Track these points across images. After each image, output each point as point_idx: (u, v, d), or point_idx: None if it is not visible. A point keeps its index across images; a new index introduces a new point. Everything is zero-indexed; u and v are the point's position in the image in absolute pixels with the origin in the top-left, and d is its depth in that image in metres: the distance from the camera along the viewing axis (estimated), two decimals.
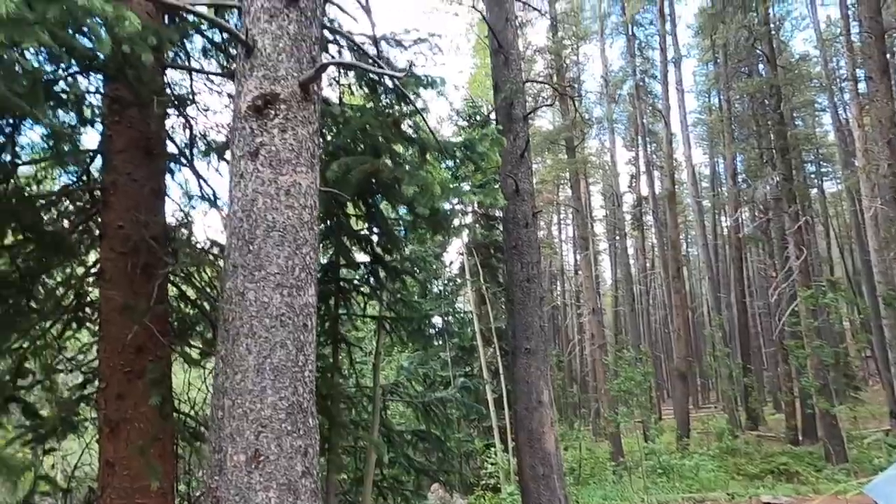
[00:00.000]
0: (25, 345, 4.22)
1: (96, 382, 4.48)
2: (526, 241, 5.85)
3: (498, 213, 19.89)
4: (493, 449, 12.61)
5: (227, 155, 4.98)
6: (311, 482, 1.98)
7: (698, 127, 32.00)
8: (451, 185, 3.81)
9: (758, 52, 15.18)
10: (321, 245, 5.47)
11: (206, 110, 5.11)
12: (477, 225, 18.65)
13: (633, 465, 12.79)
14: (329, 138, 4.00)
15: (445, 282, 17.13)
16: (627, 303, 18.26)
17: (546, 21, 17.14)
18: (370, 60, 3.61)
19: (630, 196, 34.34)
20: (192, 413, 4.71)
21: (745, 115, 18.66)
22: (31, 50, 2.80)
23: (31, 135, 4.11)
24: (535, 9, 14.51)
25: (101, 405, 3.49)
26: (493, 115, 7.72)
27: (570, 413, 22.42)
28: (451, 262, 20.17)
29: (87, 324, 4.78)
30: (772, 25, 15.55)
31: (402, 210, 5.85)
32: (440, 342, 16.75)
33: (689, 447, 14.28)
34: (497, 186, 4.97)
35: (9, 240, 4.17)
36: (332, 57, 3.91)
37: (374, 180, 3.87)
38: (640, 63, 23.01)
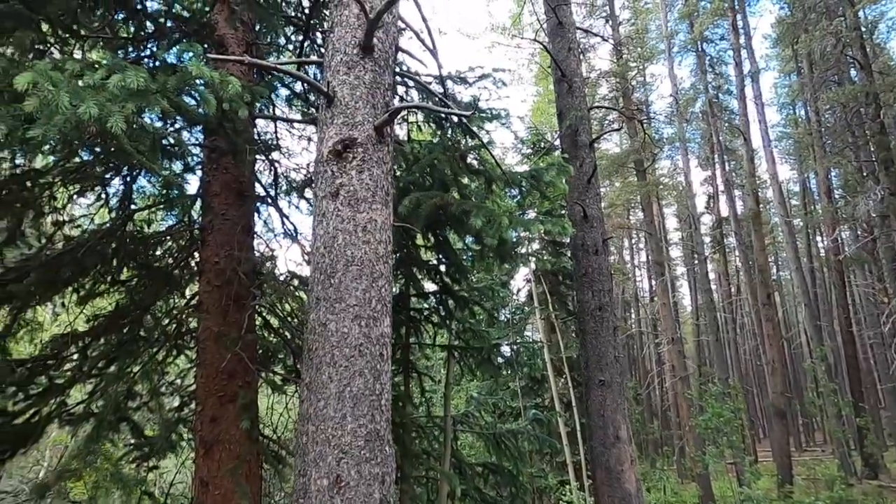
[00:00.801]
0: (136, 369, 4.71)
1: (192, 405, 4.89)
2: (596, 268, 5.70)
3: (566, 240, 19.53)
4: (567, 486, 12.04)
5: (307, 193, 5.38)
6: None
7: (783, 141, 29.79)
8: (518, 216, 3.84)
9: (848, 58, 14.03)
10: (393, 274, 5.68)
11: (289, 155, 5.58)
12: (544, 252, 18.40)
13: None
14: (400, 174, 4.20)
15: (513, 310, 16.93)
16: (711, 332, 16.96)
17: (610, 45, 16.99)
18: (437, 99, 3.79)
19: (708, 217, 32.35)
20: (275, 437, 4.97)
21: (837, 126, 17.17)
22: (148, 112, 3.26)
23: (143, 181, 4.70)
24: (597, 35, 14.46)
25: (198, 427, 3.79)
26: (557, 143, 7.72)
27: (650, 450, 20.92)
28: (519, 290, 19.94)
29: (186, 351, 5.27)
30: (863, 29, 14.34)
31: (470, 240, 5.96)
32: (509, 372, 16.47)
33: (792, 495, 12.76)
34: (564, 214, 4.92)
35: (124, 275, 4.75)
36: (402, 99, 4.15)
37: (442, 213, 3.99)
38: (712, 79, 22.01)
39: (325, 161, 2.44)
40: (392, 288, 2.43)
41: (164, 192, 4.07)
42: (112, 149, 2.45)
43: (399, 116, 5.22)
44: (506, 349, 5.47)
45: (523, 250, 18.34)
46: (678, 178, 32.67)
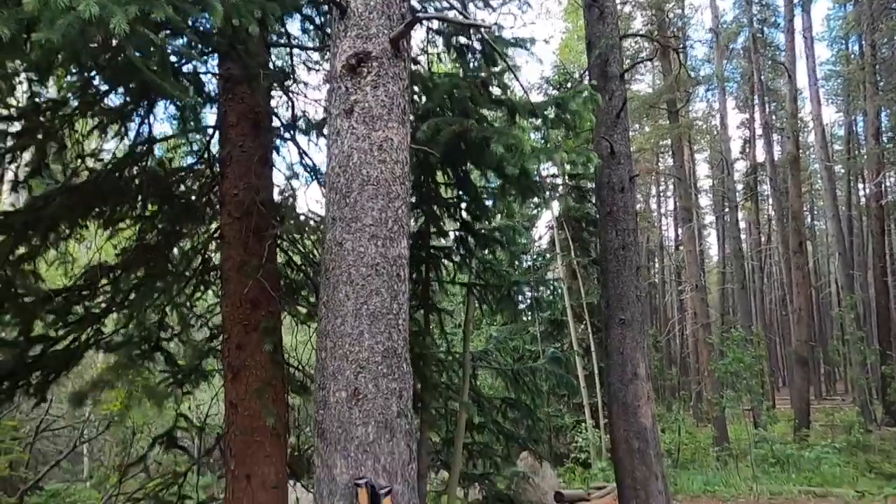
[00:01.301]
0: (165, 302, 4.87)
1: (220, 338, 5.08)
2: (622, 206, 5.52)
3: (590, 185, 19.06)
4: (583, 424, 12.39)
5: (326, 130, 5.27)
6: (405, 423, 2.07)
7: (830, 81, 27.76)
8: (542, 146, 3.68)
9: None
10: (412, 214, 5.62)
11: (305, 90, 5.43)
12: (568, 197, 18.02)
13: (740, 453, 11.84)
14: (418, 102, 4.04)
15: (534, 256, 16.87)
16: (738, 280, 16.64)
17: None
18: (456, 12, 3.56)
19: (741, 164, 30.95)
20: (300, 366, 5.16)
21: (894, 60, 15.80)
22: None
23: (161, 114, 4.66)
24: None
25: (225, 354, 3.94)
26: (586, 77, 7.30)
27: (667, 396, 21.24)
28: (541, 237, 19.77)
29: (212, 287, 5.42)
30: None
31: (492, 178, 5.82)
32: (529, 316, 16.66)
33: (808, 438, 12.88)
34: (590, 149, 4.70)
35: (149, 210, 4.81)
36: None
37: (462, 142, 3.85)
38: (757, 11, 20.32)
39: (338, 77, 2.33)
40: (409, 211, 2.37)
41: (182, 122, 4.02)
42: (122, 67, 2.38)
43: (418, 46, 4.97)
44: (527, 292, 5.44)
45: (548, 195, 18.01)
46: (712, 121, 31.06)
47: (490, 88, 4.02)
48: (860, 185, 28.18)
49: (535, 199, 5.61)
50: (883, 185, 16.34)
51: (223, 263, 4.00)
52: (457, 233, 5.53)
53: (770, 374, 25.33)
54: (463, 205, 5.31)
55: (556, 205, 19.09)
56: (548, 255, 17.39)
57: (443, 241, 6.07)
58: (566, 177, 17.47)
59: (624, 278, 5.36)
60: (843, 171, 27.20)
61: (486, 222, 5.63)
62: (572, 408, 14.86)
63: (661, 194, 34.92)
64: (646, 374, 5.15)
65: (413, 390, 2.19)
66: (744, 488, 8.15)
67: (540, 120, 4.10)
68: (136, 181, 4.35)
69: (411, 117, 2.86)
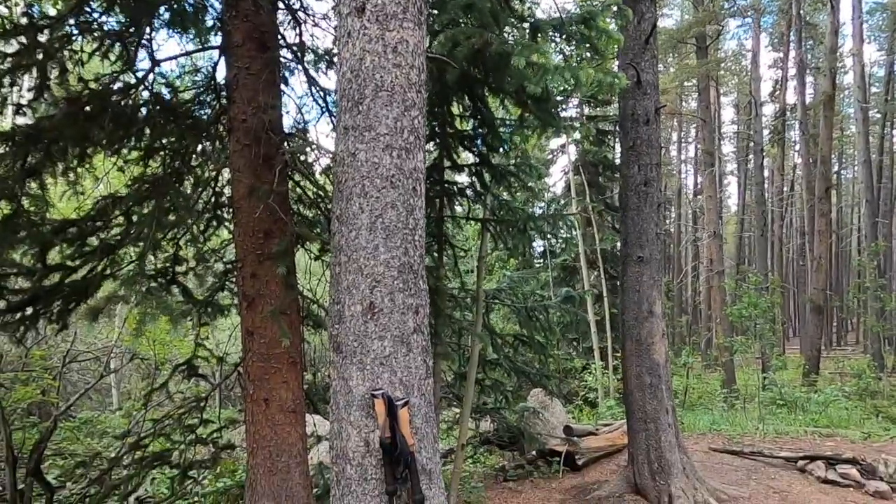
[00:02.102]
0: (179, 236, 4.85)
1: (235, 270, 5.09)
2: (645, 139, 5.25)
3: (609, 126, 18.39)
4: (593, 366, 12.61)
5: (335, 48, 4.99)
6: (422, 339, 2.03)
7: (874, 16, 25.82)
8: (566, 64, 3.42)
9: None
10: (427, 146, 5.43)
11: (314, 18, 5.10)
12: (586, 141, 17.46)
13: (748, 396, 12.02)
14: (433, 14, 3.75)
15: (549, 201, 16.58)
16: (758, 227, 16.26)
17: None
18: None
19: (769, 108, 29.52)
20: (316, 301, 5.19)
21: None
22: None
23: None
24: None
25: (240, 283, 3.94)
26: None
27: (677, 342, 21.44)
28: (555, 183, 19.34)
29: (226, 223, 5.38)
30: None
31: (510, 111, 5.54)
32: (542, 262, 16.60)
33: (816, 384, 13.00)
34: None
35: (157, 140, 4.68)
36: None
37: (481, 63, 3.61)
38: None
39: None
40: (425, 121, 2.22)
41: (183, 28, 3.81)
42: None
43: None
44: (543, 224, 5.31)
45: (562, 141, 17.43)
46: (742, 62, 29.37)
47: (511, 3, 3.72)
48: (894, 131, 26.85)
49: (554, 134, 5.34)
50: None
51: (234, 192, 3.91)
52: (472, 167, 5.35)
53: (782, 323, 25.34)
54: (479, 135, 5.10)
55: (573, 149, 18.53)
56: (562, 201, 17.08)
57: (458, 176, 5.91)
58: (585, 116, 16.83)
59: (644, 215, 5.19)
60: (878, 115, 25.83)
61: (503, 156, 5.43)
62: (582, 352, 15.10)
63: (683, 140, 33.72)
64: (661, 312, 5.09)
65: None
66: (750, 427, 8.29)
67: (565, 38, 3.81)
68: (144, 108, 4.22)
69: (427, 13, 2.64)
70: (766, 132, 26.53)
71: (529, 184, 5.36)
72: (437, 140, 5.14)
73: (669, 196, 32.63)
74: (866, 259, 13.82)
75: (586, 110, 17.49)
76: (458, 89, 4.44)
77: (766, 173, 32.24)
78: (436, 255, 5.25)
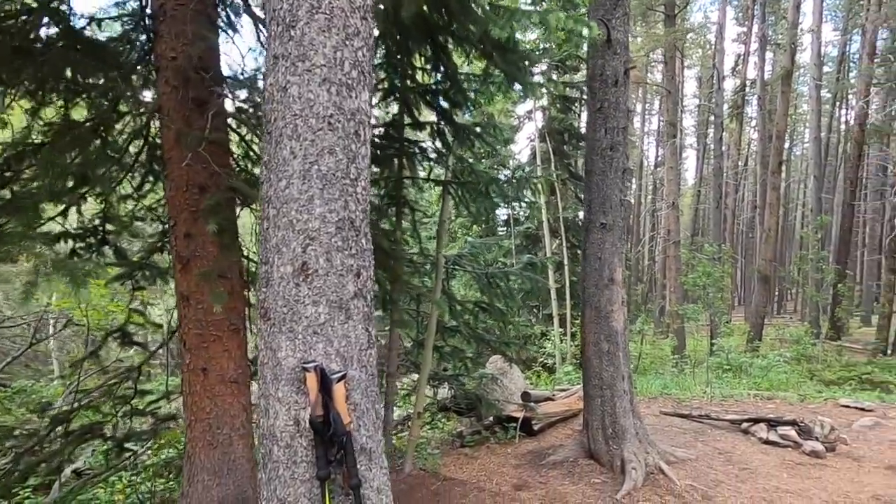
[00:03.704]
0: (106, 192, 4.37)
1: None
2: (613, 102, 5.06)
3: (575, 94, 18.19)
4: (552, 332, 12.81)
5: None
6: (364, 305, 1.79)
7: None
8: (533, 9, 3.13)
9: None
10: (384, 100, 5.05)
11: None
12: (552, 108, 17.25)
13: (697, 361, 12.56)
14: None
15: (513, 169, 16.41)
16: (714, 199, 16.69)
17: None
18: None
19: (730, 83, 30.05)
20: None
21: None
22: None
23: None
24: None
25: (173, 243, 3.56)
26: None
27: (634, 310, 22.16)
28: (520, 151, 19.15)
29: (162, 178, 4.89)
30: None
31: (476, 66, 5.21)
32: (507, 229, 16.55)
33: (759, 349, 13.73)
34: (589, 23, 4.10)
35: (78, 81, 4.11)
36: None
37: (444, 9, 3.27)
38: None
39: None
40: (373, 55, 1.91)
41: None
42: None
43: None
44: (506, 186, 5.09)
45: (529, 107, 17.13)
46: (707, 35, 29.60)
47: None
48: (843, 111, 27.98)
49: (521, 95, 5.08)
50: (868, 108, 16.06)
51: (164, 141, 3.48)
52: (434, 125, 5.04)
53: (730, 292, 26.59)
54: (441, 94, 4.77)
55: (539, 116, 18.28)
56: (528, 168, 16.95)
57: (419, 134, 5.58)
58: (552, 81, 16.54)
59: (609, 181, 5.06)
60: (828, 95, 26.77)
61: (473, 114, 5.14)
62: (542, 319, 15.34)
63: (647, 112, 34.06)
64: (622, 279, 5.04)
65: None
66: (698, 391, 8.63)
67: None
68: (60, 43, 3.65)
69: None
70: (725, 107, 27.09)
71: (495, 146, 5.10)
72: (397, 94, 4.79)
73: (632, 167, 33.16)
74: (811, 232, 14.47)
75: (554, 76, 17.21)
76: (419, 38, 4.08)
77: (724, 147, 33.13)
78: (394, 218, 4.98)
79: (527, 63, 3.65)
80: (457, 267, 5.57)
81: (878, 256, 17.72)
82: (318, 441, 1.57)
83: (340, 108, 1.74)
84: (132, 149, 4.50)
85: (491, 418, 6.30)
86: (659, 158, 27.80)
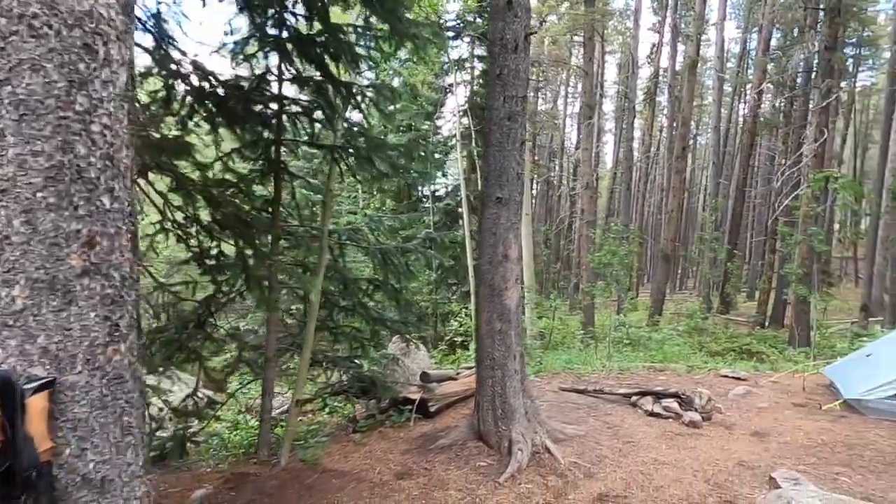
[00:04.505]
0: None
1: None
2: (513, 69, 4.79)
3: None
4: (465, 310, 12.77)
5: None
6: (103, 286, 1.33)
7: None
8: None
9: None
10: (261, 51, 4.40)
11: None
12: (476, 83, 16.98)
13: (603, 336, 13.15)
14: None
15: (434, 145, 16.05)
16: (625, 181, 17.41)
17: None
18: None
19: (648, 71, 31.50)
20: None
21: None
22: None
23: None
24: None
25: None
26: None
27: (550, 287, 22.91)
28: (440, 128, 18.78)
29: None
30: None
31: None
32: (424, 202, 16.19)
33: (658, 324, 14.65)
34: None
35: None
36: None
37: None
38: None
39: None
40: None
41: None
42: None
43: None
44: (398, 157, 4.68)
45: (451, 81, 16.71)
46: (627, 23, 30.62)
47: None
48: (741, 106, 30.35)
49: (411, 48, 4.63)
50: (762, 98, 17.37)
51: None
52: (316, 82, 4.48)
53: (638, 270, 28.32)
54: (321, 46, 4.22)
55: (461, 90, 17.94)
56: (448, 144, 16.65)
57: (302, 95, 4.99)
58: (475, 57, 16.24)
59: (507, 153, 4.81)
60: (730, 88, 28.85)
61: (355, 71, 4.64)
62: (460, 296, 15.32)
63: (570, 95, 34.89)
64: (517, 255, 4.86)
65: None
66: (599, 365, 8.93)
67: None
68: None
69: None
70: (641, 93, 28.35)
71: (385, 110, 4.66)
72: (268, 39, 4.16)
73: (554, 149, 33.99)
74: (707, 215, 15.52)
75: (477, 51, 16.91)
76: None
77: (637, 133, 34.88)
78: (271, 187, 4.41)
79: (405, 11, 3.22)
80: (349, 242, 5.13)
81: (763, 238, 19.52)
82: None
83: (54, 7, 1.23)
84: None
85: (387, 401, 6.02)
86: (579, 140, 28.63)
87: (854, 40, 24.36)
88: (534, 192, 32.10)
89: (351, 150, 4.55)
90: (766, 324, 16.43)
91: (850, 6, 16.57)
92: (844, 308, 18.29)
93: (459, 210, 16.00)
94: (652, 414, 5.80)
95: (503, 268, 4.79)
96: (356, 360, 5.88)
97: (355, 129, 4.86)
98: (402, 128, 19.26)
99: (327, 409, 6.79)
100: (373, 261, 5.28)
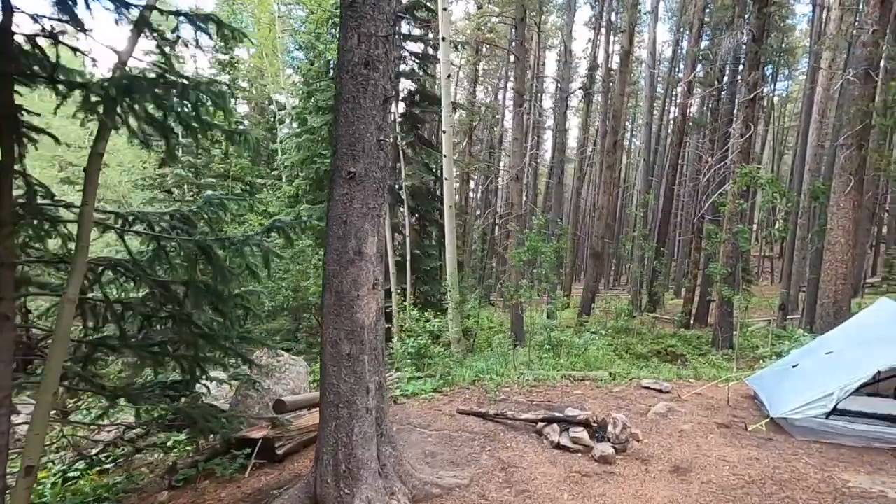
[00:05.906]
0: None
1: None
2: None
3: (431, 52, 16.75)
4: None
5: None
6: None
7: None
8: None
9: None
10: None
11: None
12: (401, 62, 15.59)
13: (530, 336, 12.25)
14: None
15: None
16: (556, 174, 16.68)
17: None
18: None
19: (584, 65, 31.35)
20: None
21: None
22: None
23: None
24: None
25: None
26: None
27: (476, 284, 22.00)
28: None
29: None
30: None
31: None
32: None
33: (585, 324, 14.01)
34: None
35: None
36: None
37: None
38: None
39: None
40: None
41: None
42: None
43: None
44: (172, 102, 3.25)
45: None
46: (566, 17, 30.28)
47: None
48: (672, 109, 30.92)
49: None
50: (691, 92, 17.21)
51: None
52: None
53: (572, 266, 28.13)
54: None
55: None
56: None
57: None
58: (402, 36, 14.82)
59: (363, 111, 3.52)
60: (661, 91, 29.25)
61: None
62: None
63: (510, 89, 34.21)
64: (375, 252, 3.59)
65: None
66: (514, 375, 7.91)
67: None
68: None
69: None
70: (577, 87, 28.05)
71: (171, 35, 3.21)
72: None
73: (494, 142, 33.22)
74: (636, 211, 15.06)
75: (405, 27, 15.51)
76: None
77: (574, 133, 34.87)
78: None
79: None
80: (132, 230, 3.64)
81: (690, 236, 19.58)
82: None
83: None
84: None
85: (219, 443, 4.58)
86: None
87: (773, 45, 25.26)
88: (471, 184, 31.20)
89: (131, 98, 3.07)
90: (692, 321, 16.32)
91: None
92: (763, 305, 18.67)
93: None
94: (558, 447, 4.75)
95: (356, 268, 3.50)
96: (177, 388, 4.39)
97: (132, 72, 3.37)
98: (322, 109, 17.53)
99: (163, 447, 5.23)
100: (180, 255, 3.82)
